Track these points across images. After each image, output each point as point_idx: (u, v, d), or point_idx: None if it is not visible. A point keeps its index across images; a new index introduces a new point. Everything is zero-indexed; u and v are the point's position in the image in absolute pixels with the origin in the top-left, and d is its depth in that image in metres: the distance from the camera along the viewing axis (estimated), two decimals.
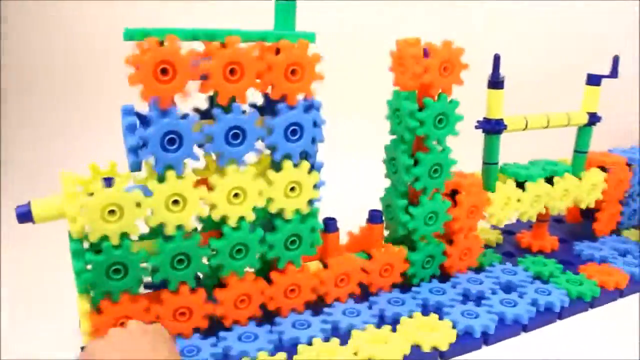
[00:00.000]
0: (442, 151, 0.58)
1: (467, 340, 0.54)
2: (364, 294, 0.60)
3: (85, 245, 0.47)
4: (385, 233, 0.63)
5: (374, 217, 0.60)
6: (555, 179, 0.68)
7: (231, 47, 0.46)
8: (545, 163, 0.71)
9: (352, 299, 0.59)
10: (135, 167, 0.47)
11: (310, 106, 0.51)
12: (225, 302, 0.52)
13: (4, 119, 1.10)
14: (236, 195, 0.50)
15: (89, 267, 0.46)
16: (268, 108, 0.53)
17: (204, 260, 0.51)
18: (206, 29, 0.47)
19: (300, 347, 0.50)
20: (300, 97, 0.50)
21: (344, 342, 0.52)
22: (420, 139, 0.58)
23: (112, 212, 0.45)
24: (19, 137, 1.09)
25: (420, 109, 0.56)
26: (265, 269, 0.55)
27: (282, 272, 0.54)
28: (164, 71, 0.44)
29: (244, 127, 0.48)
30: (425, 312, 0.57)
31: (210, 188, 0.49)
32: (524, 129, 0.65)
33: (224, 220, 0.50)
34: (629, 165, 0.75)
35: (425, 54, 0.55)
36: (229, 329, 0.53)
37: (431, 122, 0.57)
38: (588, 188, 0.71)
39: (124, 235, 0.47)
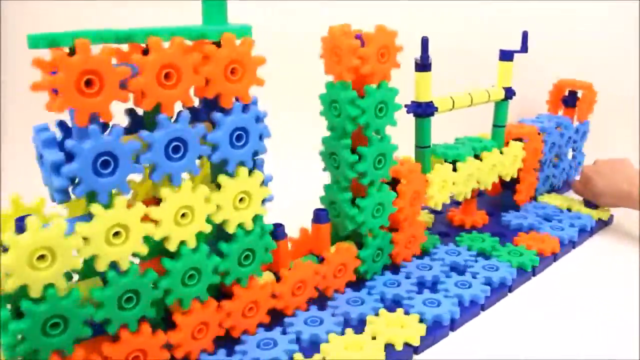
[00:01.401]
0: (382, 140, 0.56)
1: (436, 330, 0.53)
2: (320, 297, 0.57)
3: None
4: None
5: (320, 216, 0.57)
6: (483, 155, 0.70)
7: (159, 51, 0.39)
8: (469, 140, 0.72)
9: (311, 305, 0.55)
10: (60, 200, 0.40)
11: (247, 105, 0.46)
12: (183, 334, 0.46)
13: (4, 119, 1.05)
14: (183, 215, 0.44)
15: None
16: (201, 113, 0.47)
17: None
18: (132, 29, 0.40)
19: None
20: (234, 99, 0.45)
21: (312, 355, 0.48)
22: (358, 131, 0.55)
23: (42, 257, 0.38)
24: (19, 136, 0.98)
25: (361, 97, 0.54)
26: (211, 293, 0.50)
27: (243, 288, 0.49)
28: (88, 83, 0.37)
29: (186, 140, 0.42)
30: (387, 307, 0.55)
31: (149, 218, 0.43)
32: (451, 109, 0.65)
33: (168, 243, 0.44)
34: (540, 134, 0.78)
35: (361, 43, 0.53)
36: None
37: (372, 111, 0.54)
38: (511, 160, 0.73)
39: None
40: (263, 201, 0.49)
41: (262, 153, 0.48)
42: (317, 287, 0.56)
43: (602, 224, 0.77)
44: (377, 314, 0.54)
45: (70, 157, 0.38)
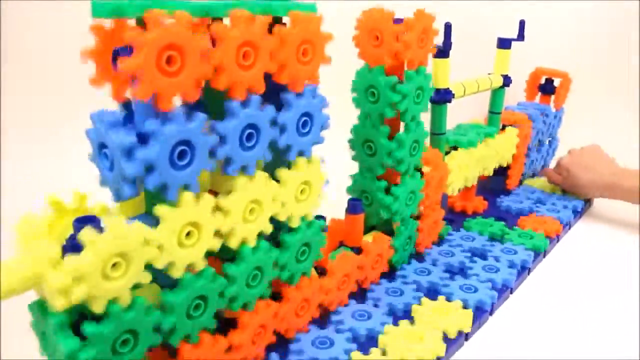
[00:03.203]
0: (419, 125, 0.55)
1: (480, 315, 0.53)
2: (359, 290, 0.55)
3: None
4: None
5: (356, 206, 0.55)
6: (488, 141, 0.71)
7: (241, 25, 0.36)
8: (471, 127, 0.73)
9: (352, 298, 0.54)
10: (130, 195, 0.35)
11: (315, 90, 0.43)
12: (242, 342, 0.43)
13: (4, 118, 0.99)
14: (251, 210, 0.40)
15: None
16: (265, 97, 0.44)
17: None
18: (202, 2, 0.36)
19: None
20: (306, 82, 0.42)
21: (373, 349, 0.47)
22: (391, 118, 0.54)
23: (116, 264, 0.33)
24: (19, 136, 0.98)
25: (400, 82, 0.52)
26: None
27: (296, 288, 0.47)
28: (169, 60, 0.33)
29: (259, 126, 0.39)
30: (426, 295, 0.55)
31: (221, 208, 0.39)
32: (462, 96, 0.66)
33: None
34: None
35: (399, 21, 0.51)
36: None
37: (412, 96, 0.53)
38: (509, 146, 0.75)
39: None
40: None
41: (320, 143, 0.46)
42: (357, 280, 0.54)
43: (587, 205, 0.81)
44: (420, 304, 0.53)
45: (143, 141, 0.34)
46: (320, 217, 0.51)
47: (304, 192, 0.45)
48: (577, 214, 0.77)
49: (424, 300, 0.53)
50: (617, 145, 0.85)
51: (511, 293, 0.59)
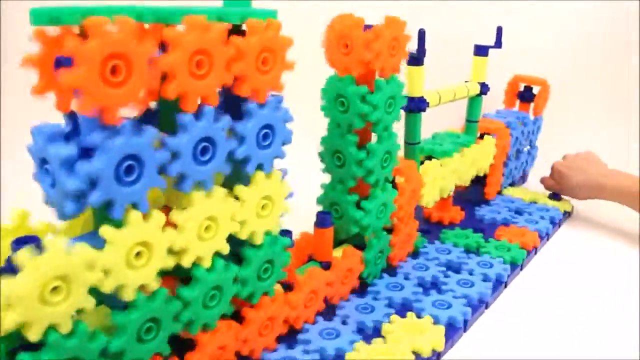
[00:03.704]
0: (390, 137, 0.54)
1: (452, 332, 0.51)
2: (327, 307, 0.53)
3: None
4: None
5: (324, 220, 0.53)
6: (464, 151, 0.69)
7: (196, 31, 0.34)
8: (447, 136, 0.72)
9: (320, 316, 0.51)
10: (73, 213, 0.33)
11: (279, 102, 0.41)
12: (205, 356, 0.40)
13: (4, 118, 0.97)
14: (207, 227, 0.38)
15: None
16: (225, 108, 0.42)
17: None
18: (153, 7, 0.34)
19: None
20: (269, 92, 0.40)
21: None
22: (363, 129, 0.52)
23: (56, 288, 0.31)
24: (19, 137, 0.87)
25: (370, 92, 0.50)
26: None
27: (256, 309, 0.44)
28: (114, 70, 0.31)
29: (214, 138, 0.37)
30: (398, 312, 0.53)
31: (174, 225, 0.37)
32: (437, 104, 0.64)
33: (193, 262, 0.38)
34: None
35: (368, 27, 0.49)
36: None
37: (383, 107, 0.51)
38: (486, 155, 0.73)
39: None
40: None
41: (280, 158, 0.43)
42: (325, 296, 0.52)
43: (567, 215, 0.79)
44: (390, 321, 0.51)
45: (87, 155, 0.31)
46: (286, 233, 0.49)
47: (266, 207, 0.42)
48: (556, 224, 0.75)
49: (394, 317, 0.51)
50: (600, 151, 0.84)
51: (486, 308, 0.57)
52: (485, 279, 0.59)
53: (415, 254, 0.64)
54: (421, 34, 0.58)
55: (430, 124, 0.77)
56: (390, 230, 0.59)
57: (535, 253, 0.69)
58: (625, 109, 1.06)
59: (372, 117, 0.50)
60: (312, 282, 0.49)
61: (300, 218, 0.54)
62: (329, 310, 0.52)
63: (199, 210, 0.37)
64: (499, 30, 0.70)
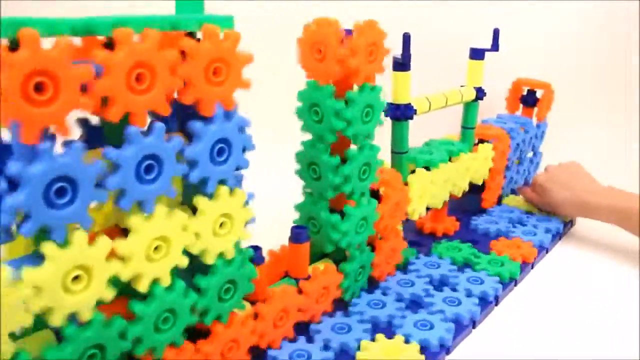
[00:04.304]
0: (372, 148, 0.51)
1: (433, 356, 0.48)
2: (301, 324, 0.50)
3: None
4: None
5: (299, 235, 0.50)
6: (456, 159, 0.66)
7: (128, 46, 0.31)
8: (441, 143, 0.68)
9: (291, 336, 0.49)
10: (6, 241, 0.31)
11: (230, 113, 0.39)
12: None
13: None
14: (157, 248, 0.36)
15: None
16: (169, 122, 0.39)
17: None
18: (92, 18, 0.32)
19: None
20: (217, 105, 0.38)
21: None
22: (342, 137, 0.50)
23: None
24: None
25: (341, 99, 0.48)
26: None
27: (217, 330, 0.42)
28: (39, 87, 0.28)
29: (161, 158, 0.35)
30: (377, 332, 0.50)
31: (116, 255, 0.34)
32: (427, 111, 0.61)
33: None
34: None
35: (349, 32, 0.47)
36: None
37: (359, 119, 0.48)
38: (482, 163, 0.70)
39: None
40: (246, 224, 0.42)
41: (244, 168, 0.41)
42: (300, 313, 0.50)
43: (568, 226, 0.76)
44: (373, 340, 0.48)
45: (14, 185, 0.29)
46: (255, 249, 0.47)
47: (224, 226, 0.40)
48: (556, 236, 0.71)
49: (369, 342, 0.48)
50: (604, 159, 0.80)
51: (473, 328, 0.54)
52: (475, 296, 0.56)
53: (404, 267, 0.61)
54: (406, 38, 0.55)
55: (427, 131, 0.74)
56: (374, 244, 0.56)
57: (532, 267, 0.65)
58: (634, 113, 1.01)
59: (348, 132, 0.48)
60: (282, 300, 0.47)
61: (281, 232, 0.51)
62: (303, 330, 0.50)
63: (142, 236, 0.35)
64: (496, 33, 0.67)
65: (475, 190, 0.76)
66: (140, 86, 0.33)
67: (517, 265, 0.62)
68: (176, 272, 0.40)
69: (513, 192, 0.84)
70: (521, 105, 0.85)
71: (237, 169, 0.41)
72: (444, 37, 0.89)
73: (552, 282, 0.63)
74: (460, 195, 0.68)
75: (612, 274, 0.64)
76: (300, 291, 0.49)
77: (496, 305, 0.58)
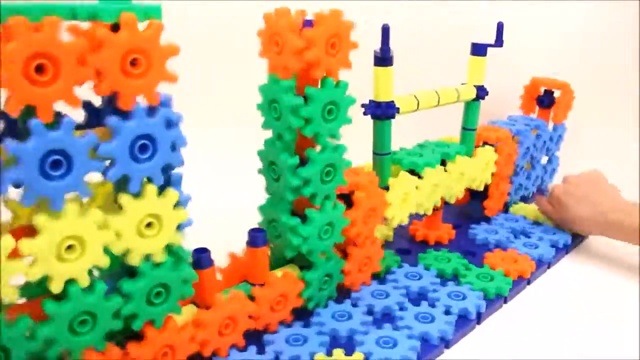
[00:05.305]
0: (337, 149, 0.47)
1: None
2: (253, 332, 0.47)
3: None
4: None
5: (256, 238, 0.47)
6: (450, 163, 0.61)
7: (23, 36, 0.29)
8: (435, 145, 0.64)
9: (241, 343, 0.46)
10: None
11: (153, 107, 0.36)
12: None
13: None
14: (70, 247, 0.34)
15: None
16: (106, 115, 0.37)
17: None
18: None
19: None
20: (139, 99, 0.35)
21: None
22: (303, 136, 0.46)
23: None
24: None
25: (304, 102, 0.44)
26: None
27: (150, 334, 0.40)
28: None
29: (70, 154, 0.32)
30: (335, 346, 0.46)
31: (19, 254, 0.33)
32: (415, 110, 0.57)
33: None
34: (513, 138, 0.70)
35: (309, 23, 0.43)
36: None
37: (319, 117, 0.45)
38: (482, 168, 0.65)
39: None
40: (179, 227, 0.39)
41: (178, 166, 0.39)
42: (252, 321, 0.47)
43: (579, 240, 0.69)
44: (329, 354, 0.45)
45: None
46: (202, 251, 0.44)
47: (152, 227, 0.38)
48: (562, 250, 0.65)
49: (324, 356, 0.45)
50: (630, 167, 0.72)
51: (446, 347, 0.49)
52: (453, 313, 0.51)
53: (384, 276, 0.57)
54: (384, 31, 0.51)
55: (426, 131, 0.70)
56: (345, 252, 0.53)
57: (529, 283, 0.60)
58: None
59: (307, 131, 0.44)
60: (226, 308, 0.44)
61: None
62: (254, 339, 0.47)
63: (49, 234, 0.33)
64: (500, 27, 0.61)
65: (479, 196, 0.71)
66: (43, 78, 0.31)
67: (508, 280, 0.57)
68: (106, 274, 0.39)
69: (524, 199, 0.78)
70: (537, 107, 0.78)
71: (168, 167, 0.38)
72: (456, 34, 0.84)
73: (547, 300, 0.57)
74: (453, 202, 0.64)
75: (617, 296, 0.58)
76: (252, 298, 0.46)
77: (478, 324, 0.53)
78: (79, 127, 0.38)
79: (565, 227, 0.68)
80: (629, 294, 0.58)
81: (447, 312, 0.52)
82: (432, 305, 0.52)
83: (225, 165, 0.81)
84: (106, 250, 0.36)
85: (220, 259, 0.49)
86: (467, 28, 0.80)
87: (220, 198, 0.72)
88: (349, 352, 0.46)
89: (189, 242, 0.43)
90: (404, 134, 0.62)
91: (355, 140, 0.58)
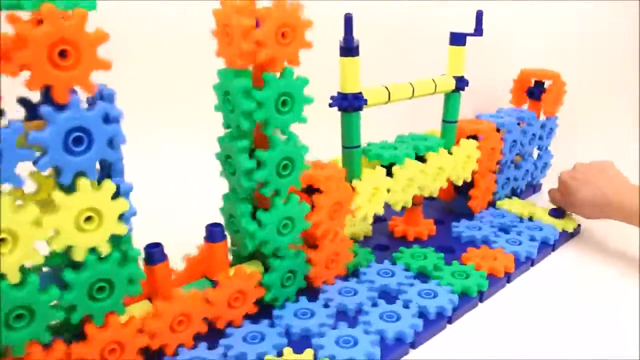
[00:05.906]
0: (288, 141, 0.46)
1: None
2: (213, 331, 0.46)
3: None
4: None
5: (213, 233, 0.46)
6: (428, 156, 0.59)
7: None
8: (412, 138, 0.62)
9: (200, 341, 0.45)
10: None
11: (95, 99, 0.35)
12: None
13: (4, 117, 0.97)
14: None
15: None
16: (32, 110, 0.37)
17: None
18: None
19: None
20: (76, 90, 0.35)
21: None
22: (259, 131, 0.45)
23: None
24: None
25: (259, 88, 0.43)
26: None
27: (102, 327, 0.39)
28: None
29: None
30: (293, 345, 0.45)
31: None
32: (386, 102, 0.55)
33: None
34: (498, 130, 0.68)
35: (257, 24, 0.42)
36: None
37: (272, 105, 0.43)
38: (463, 162, 0.63)
39: None
40: (121, 217, 0.38)
41: (114, 162, 0.38)
42: (207, 319, 0.46)
43: (567, 236, 0.66)
44: (279, 354, 0.44)
45: None
46: (155, 246, 0.43)
47: (92, 221, 0.37)
48: (548, 246, 0.63)
49: (286, 349, 0.44)
50: (629, 166, 0.69)
51: (412, 348, 0.48)
52: (421, 312, 0.50)
53: (352, 274, 0.56)
54: (347, 20, 0.49)
55: (407, 124, 0.68)
56: (313, 247, 0.52)
57: (509, 281, 0.58)
58: None
59: (258, 115, 0.43)
60: (178, 304, 0.43)
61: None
62: (211, 337, 0.46)
63: None
64: (479, 16, 0.59)
65: (463, 191, 0.68)
66: None
67: (482, 279, 0.55)
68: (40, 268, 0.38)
69: (515, 193, 0.76)
70: (528, 99, 0.76)
71: (105, 163, 0.37)
72: (447, 27, 0.81)
73: (525, 299, 0.55)
74: (435, 195, 0.61)
75: (605, 293, 0.55)
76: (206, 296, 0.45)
77: (449, 323, 0.51)
78: None
79: (571, 211, 0.67)
80: (613, 292, 0.56)
81: (417, 311, 0.50)
82: (403, 305, 0.51)
83: (191, 163, 0.79)
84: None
85: (182, 254, 0.49)
86: (460, 20, 0.78)
87: (185, 195, 0.71)
88: (301, 350, 0.44)
89: (150, 239, 0.43)
90: (393, 127, 0.61)
91: (327, 134, 0.57)
